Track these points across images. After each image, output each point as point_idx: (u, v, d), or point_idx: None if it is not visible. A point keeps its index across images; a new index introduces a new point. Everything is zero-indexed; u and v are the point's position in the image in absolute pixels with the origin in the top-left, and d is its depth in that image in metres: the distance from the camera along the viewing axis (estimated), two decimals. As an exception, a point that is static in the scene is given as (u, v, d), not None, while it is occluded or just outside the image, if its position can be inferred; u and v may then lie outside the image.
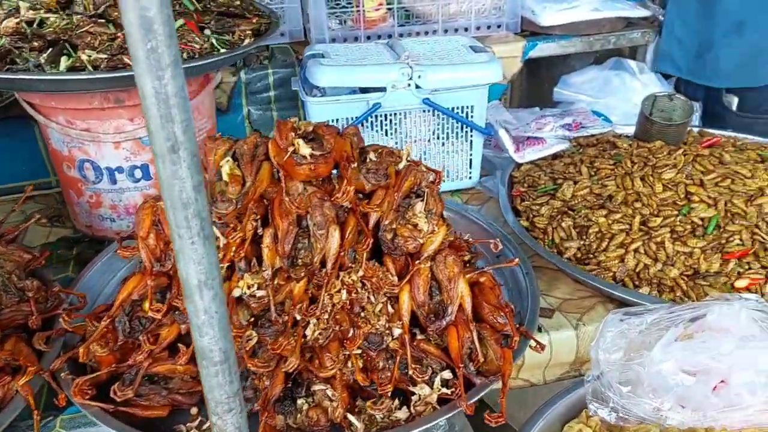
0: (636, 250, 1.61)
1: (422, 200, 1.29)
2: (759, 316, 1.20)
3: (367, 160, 1.28)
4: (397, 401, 1.27)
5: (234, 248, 1.17)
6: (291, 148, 1.14)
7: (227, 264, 1.19)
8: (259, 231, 1.17)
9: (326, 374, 1.14)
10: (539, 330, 1.52)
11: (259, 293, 1.15)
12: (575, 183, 1.83)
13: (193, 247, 0.79)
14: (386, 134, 2.03)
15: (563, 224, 1.73)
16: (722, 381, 1.11)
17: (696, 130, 2.18)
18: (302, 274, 1.16)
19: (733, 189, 1.66)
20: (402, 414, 1.23)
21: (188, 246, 0.79)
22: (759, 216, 1.60)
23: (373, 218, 1.24)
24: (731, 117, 2.50)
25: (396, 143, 2.05)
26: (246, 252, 1.20)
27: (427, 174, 1.34)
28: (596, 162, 1.87)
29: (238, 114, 2.30)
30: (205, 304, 0.87)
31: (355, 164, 1.20)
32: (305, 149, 1.14)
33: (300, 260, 1.18)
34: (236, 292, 1.17)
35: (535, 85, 3.65)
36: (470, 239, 1.50)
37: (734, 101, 2.54)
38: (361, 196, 1.30)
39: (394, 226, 1.27)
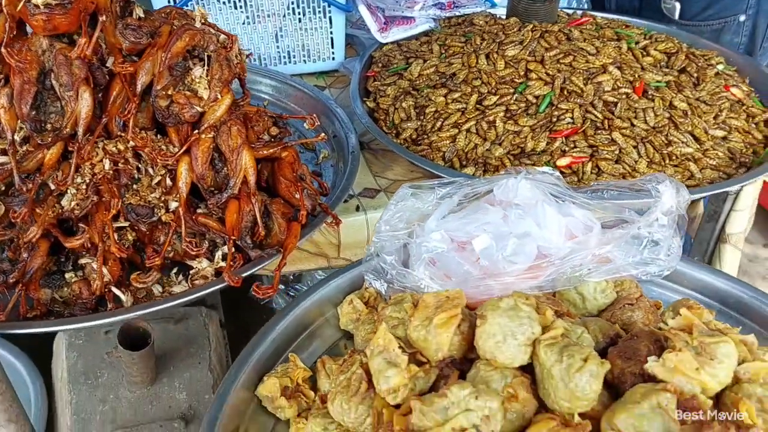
0: (468, 130, 1.55)
1: (203, 64, 1.19)
2: (546, 187, 1.16)
3: (133, 15, 1.16)
4: (181, 277, 1.23)
5: (-23, 111, 1.07)
6: (26, -4, 1.02)
7: (-28, 129, 1.09)
8: (-2, 91, 1.06)
9: (72, 244, 1.08)
10: (357, 209, 1.47)
11: (1, 159, 1.06)
12: (424, 62, 1.74)
13: None
14: (235, 7, 1.88)
15: (404, 104, 1.65)
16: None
17: (579, 12, 2.07)
18: (49, 139, 1.06)
19: (574, 66, 1.58)
20: (179, 288, 1.19)
21: None
22: (596, 94, 1.54)
23: (140, 81, 1.14)
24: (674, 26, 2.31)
25: (247, 18, 1.91)
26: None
27: (215, 37, 1.23)
28: (449, 40, 1.77)
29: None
30: None
31: (105, 17, 1.07)
32: (40, -3, 1.02)
33: (50, 125, 1.08)
34: (-20, 160, 1.07)
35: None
36: (285, 114, 1.42)
37: (676, 8, 2.32)
38: (135, 59, 1.19)
39: (169, 92, 1.17)
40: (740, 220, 1.76)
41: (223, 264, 1.18)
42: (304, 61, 2.02)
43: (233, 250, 1.17)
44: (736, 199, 1.74)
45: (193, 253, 1.17)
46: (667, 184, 1.04)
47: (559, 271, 1.04)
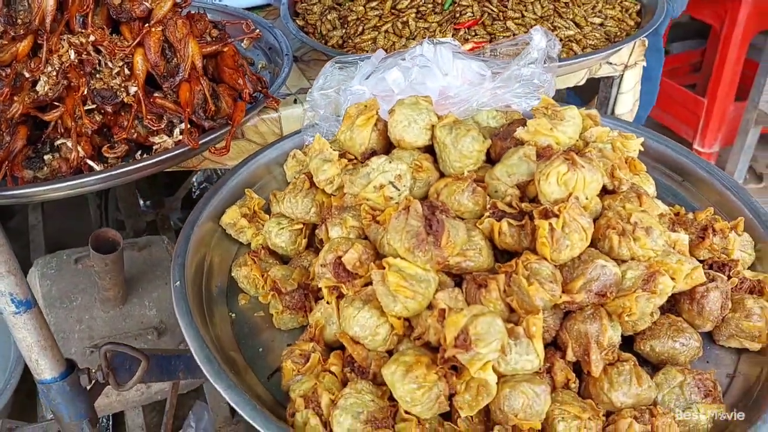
0: (386, 31, 1.78)
1: (147, -32, 1.38)
2: (443, 51, 1.40)
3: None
4: (146, 155, 1.42)
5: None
6: None
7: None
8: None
9: (50, 117, 1.26)
10: (295, 101, 1.69)
11: (-22, 48, 1.23)
12: (345, -19, 1.96)
13: None
14: (168, -53, 2.05)
15: (329, 17, 1.87)
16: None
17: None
18: (21, 32, 1.24)
19: (472, -29, 1.83)
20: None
21: None
22: (491, -8, 1.80)
23: (94, -18, 1.32)
24: None
25: (180, -43, 2.08)
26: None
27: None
28: (367, -40, 2.00)
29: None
30: None
31: None
32: None
33: (20, 20, 1.26)
34: (-41, 52, 1.24)
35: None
36: (223, 20, 1.62)
37: None
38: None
39: (121, -8, 1.36)
40: (626, 101, 2.07)
41: (181, 137, 1.38)
42: (237, -4, 2.21)
43: (189, 124, 1.37)
44: (620, 84, 2.04)
45: (155, 128, 1.36)
46: (537, 29, 1.30)
47: (459, 109, 1.29)
